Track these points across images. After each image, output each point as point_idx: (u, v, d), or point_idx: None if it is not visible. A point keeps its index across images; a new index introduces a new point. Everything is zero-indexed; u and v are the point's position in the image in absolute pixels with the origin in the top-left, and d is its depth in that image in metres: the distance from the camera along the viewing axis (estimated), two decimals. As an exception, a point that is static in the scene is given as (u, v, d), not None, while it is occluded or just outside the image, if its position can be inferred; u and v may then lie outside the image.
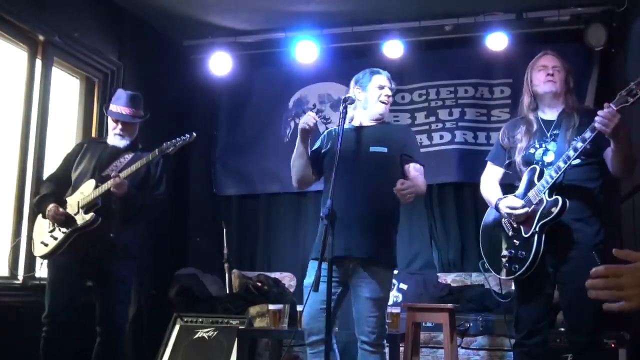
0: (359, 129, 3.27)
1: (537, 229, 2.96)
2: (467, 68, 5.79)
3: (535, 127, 3.12)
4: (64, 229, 3.58)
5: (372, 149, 3.15)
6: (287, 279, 5.73)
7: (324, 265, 2.75)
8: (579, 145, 2.86)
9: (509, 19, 5.34)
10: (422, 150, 5.77)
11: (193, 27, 5.74)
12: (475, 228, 5.64)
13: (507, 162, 3.26)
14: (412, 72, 5.92)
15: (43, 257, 3.68)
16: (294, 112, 6.15)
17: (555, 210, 2.91)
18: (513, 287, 3.25)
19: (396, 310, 3.86)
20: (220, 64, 5.86)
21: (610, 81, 5.26)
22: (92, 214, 3.53)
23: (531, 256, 2.96)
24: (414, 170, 3.23)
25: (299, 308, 3.77)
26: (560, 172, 2.92)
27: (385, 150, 3.18)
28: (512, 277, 3.05)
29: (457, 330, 4.38)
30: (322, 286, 2.79)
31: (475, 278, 5.39)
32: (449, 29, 5.59)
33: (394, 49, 5.54)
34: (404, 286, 5.36)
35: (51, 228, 3.63)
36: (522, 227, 3.03)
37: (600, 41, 5.07)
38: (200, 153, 6.33)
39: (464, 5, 5.30)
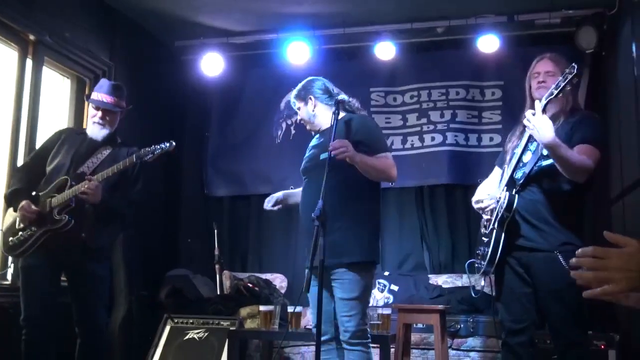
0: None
1: (495, 225, 3.01)
2: (459, 70, 5.81)
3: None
4: (34, 227, 3.47)
5: (322, 156, 3.14)
6: (278, 280, 5.71)
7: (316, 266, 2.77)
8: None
9: (500, 21, 5.36)
10: (413, 151, 5.90)
11: (185, 27, 5.72)
12: (466, 230, 5.67)
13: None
14: (403, 74, 5.94)
15: (14, 255, 3.60)
16: (285, 113, 6.14)
17: (504, 205, 2.96)
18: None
19: (387, 311, 3.86)
20: (212, 64, 5.84)
21: (601, 83, 5.29)
22: (65, 215, 3.44)
23: (490, 252, 3.01)
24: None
25: (290, 309, 3.79)
26: (519, 169, 3.00)
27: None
28: (479, 274, 3.12)
29: (448, 332, 4.38)
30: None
31: (466, 279, 5.39)
32: (440, 31, 5.60)
33: (385, 50, 5.55)
34: (394, 287, 5.36)
35: (21, 225, 3.52)
36: (490, 224, 3.08)
37: (591, 44, 5.09)
38: (192, 154, 6.32)
39: (456, 7, 5.31)
